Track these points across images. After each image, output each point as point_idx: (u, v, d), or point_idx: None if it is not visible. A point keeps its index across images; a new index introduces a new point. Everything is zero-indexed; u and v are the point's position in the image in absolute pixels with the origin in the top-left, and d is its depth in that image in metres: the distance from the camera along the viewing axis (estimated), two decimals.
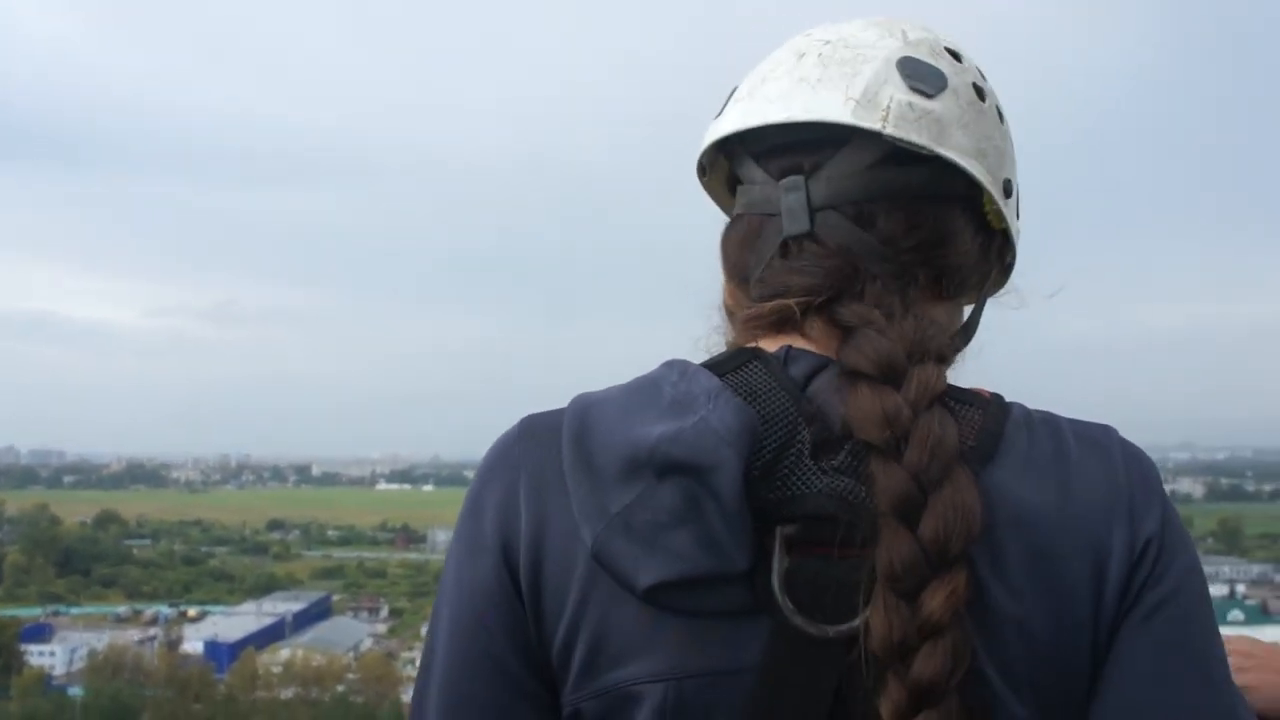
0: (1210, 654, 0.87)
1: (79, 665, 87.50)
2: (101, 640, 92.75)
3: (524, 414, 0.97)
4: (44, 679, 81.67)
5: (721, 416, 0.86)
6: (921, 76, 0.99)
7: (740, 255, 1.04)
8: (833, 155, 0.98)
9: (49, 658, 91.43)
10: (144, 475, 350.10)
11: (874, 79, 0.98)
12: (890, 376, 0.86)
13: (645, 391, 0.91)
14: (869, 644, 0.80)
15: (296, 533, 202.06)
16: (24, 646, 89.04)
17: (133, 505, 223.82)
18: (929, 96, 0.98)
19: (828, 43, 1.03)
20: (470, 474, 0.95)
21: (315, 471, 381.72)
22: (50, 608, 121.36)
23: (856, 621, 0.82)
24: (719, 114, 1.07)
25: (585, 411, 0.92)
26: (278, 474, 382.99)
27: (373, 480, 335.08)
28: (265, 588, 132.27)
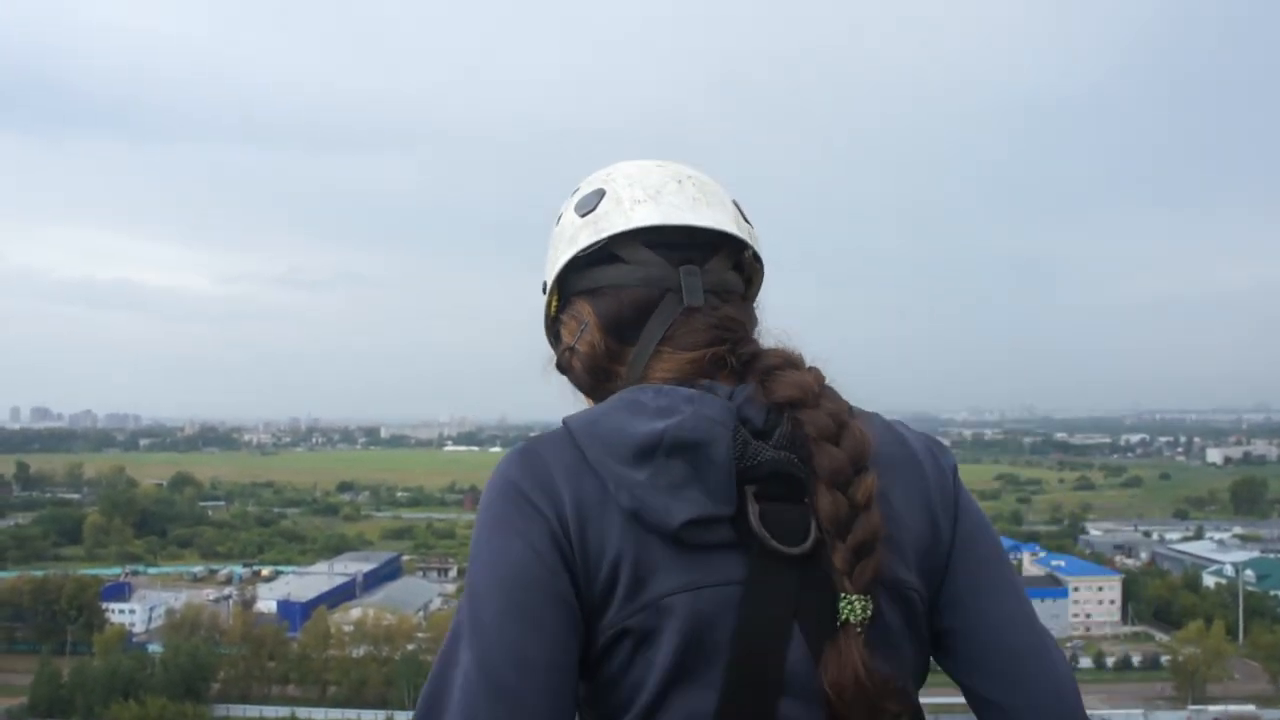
0: (998, 539, 1.43)
1: (157, 623, 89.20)
2: (179, 599, 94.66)
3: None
4: (125, 636, 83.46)
5: (710, 408, 1.26)
6: (742, 211, 1.53)
7: (633, 317, 1.42)
8: (711, 256, 1.45)
9: (129, 615, 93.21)
10: (217, 438, 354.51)
11: (734, 210, 1.50)
12: (819, 391, 1.32)
13: (631, 406, 1.29)
14: (820, 517, 1.23)
15: (366, 494, 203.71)
16: (105, 605, 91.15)
17: (206, 467, 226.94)
18: (749, 223, 1.53)
19: (691, 177, 1.51)
20: (537, 434, 1.32)
21: (384, 434, 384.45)
22: (129, 567, 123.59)
23: (807, 544, 1.23)
24: (603, 210, 1.47)
25: (591, 422, 1.29)
26: (347, 436, 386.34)
27: (440, 442, 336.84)
28: (336, 548, 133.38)
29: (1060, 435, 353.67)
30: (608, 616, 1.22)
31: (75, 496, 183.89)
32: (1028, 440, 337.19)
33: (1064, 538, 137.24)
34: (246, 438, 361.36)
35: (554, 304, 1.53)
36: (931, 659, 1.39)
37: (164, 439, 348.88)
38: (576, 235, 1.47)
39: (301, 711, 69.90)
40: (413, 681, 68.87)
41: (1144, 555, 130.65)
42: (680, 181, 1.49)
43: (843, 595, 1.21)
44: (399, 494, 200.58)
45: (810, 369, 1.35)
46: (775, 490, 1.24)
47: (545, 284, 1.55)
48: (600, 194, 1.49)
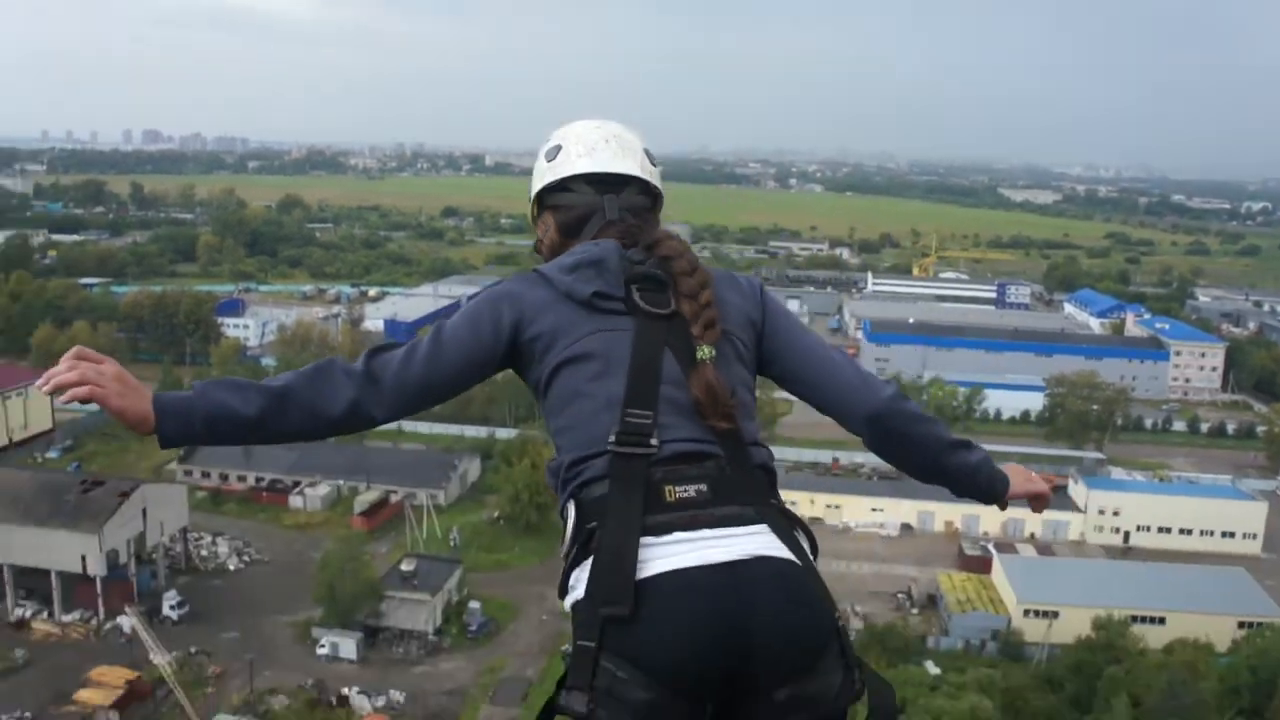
0: (794, 315, 2.53)
1: (269, 338, 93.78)
2: (289, 316, 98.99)
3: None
4: (239, 349, 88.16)
5: (609, 245, 2.33)
6: (650, 157, 2.58)
7: (575, 225, 2.49)
8: (626, 187, 2.51)
9: (243, 330, 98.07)
10: (324, 162, 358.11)
11: (643, 157, 2.56)
12: (685, 251, 2.35)
13: (567, 254, 2.34)
14: (682, 313, 2.23)
15: (470, 220, 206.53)
16: (220, 319, 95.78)
17: (314, 191, 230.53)
18: (655, 164, 2.59)
19: (617, 136, 2.54)
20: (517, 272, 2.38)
21: (488, 161, 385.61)
22: (242, 285, 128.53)
23: (670, 309, 2.24)
24: (559, 160, 2.53)
25: (549, 264, 2.35)
26: (452, 163, 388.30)
27: None
28: (441, 271, 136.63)
29: (1178, 197, 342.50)
30: (552, 354, 2.22)
31: (188, 216, 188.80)
32: (1143, 200, 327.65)
33: (1170, 301, 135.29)
34: (353, 162, 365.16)
35: (534, 212, 2.62)
36: (773, 384, 2.47)
37: (272, 162, 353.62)
38: (544, 174, 2.56)
39: (406, 425, 72.89)
40: (514, 400, 71.45)
41: (1252, 325, 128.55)
42: (608, 140, 2.53)
43: (698, 346, 2.20)
44: (503, 220, 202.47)
45: (682, 240, 2.38)
46: (648, 286, 2.26)
47: (530, 197, 2.61)
48: (558, 148, 2.55)
